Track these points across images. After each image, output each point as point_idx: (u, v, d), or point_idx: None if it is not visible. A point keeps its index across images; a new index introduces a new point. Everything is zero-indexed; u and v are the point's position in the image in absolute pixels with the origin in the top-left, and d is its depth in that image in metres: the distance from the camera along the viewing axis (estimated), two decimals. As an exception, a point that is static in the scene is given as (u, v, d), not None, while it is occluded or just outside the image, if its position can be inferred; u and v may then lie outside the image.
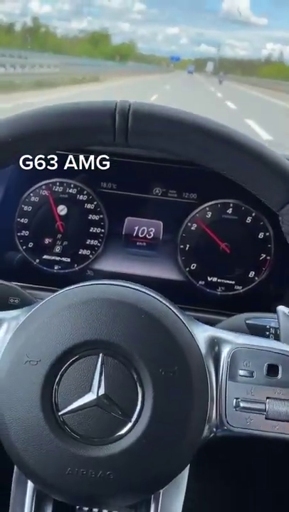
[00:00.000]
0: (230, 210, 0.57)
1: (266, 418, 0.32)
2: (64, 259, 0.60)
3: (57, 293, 0.36)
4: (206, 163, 0.36)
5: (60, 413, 0.32)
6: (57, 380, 0.32)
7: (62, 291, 0.37)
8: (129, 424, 0.32)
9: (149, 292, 0.36)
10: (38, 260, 0.60)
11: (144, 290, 0.36)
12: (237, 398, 0.33)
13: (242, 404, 0.33)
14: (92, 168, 0.58)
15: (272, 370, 0.34)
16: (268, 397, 0.33)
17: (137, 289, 0.36)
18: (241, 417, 0.33)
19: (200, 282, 0.58)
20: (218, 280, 0.58)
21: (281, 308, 0.38)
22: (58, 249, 0.60)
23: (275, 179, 0.35)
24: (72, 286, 0.37)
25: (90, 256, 0.59)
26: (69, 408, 0.32)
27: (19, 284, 0.48)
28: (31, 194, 0.58)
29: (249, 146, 0.35)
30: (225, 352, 0.35)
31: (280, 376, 0.33)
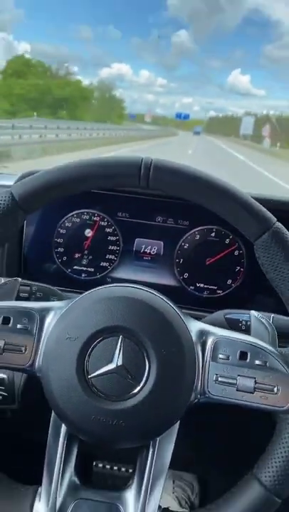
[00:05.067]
0: (213, 234, 0.66)
1: (237, 390, 0.38)
2: (89, 269, 0.68)
3: (91, 290, 0.41)
4: (203, 204, 0.41)
5: (89, 376, 0.37)
6: (88, 352, 0.37)
7: (94, 289, 0.42)
8: (138, 388, 0.37)
9: (156, 294, 0.42)
10: (69, 270, 0.68)
11: (153, 292, 0.42)
12: (216, 374, 0.38)
13: (220, 379, 0.38)
14: (111, 202, 0.67)
15: (243, 355, 0.39)
16: (238, 375, 0.38)
17: (148, 291, 0.42)
18: (219, 388, 0.38)
19: (190, 287, 0.66)
20: (204, 286, 0.67)
21: (253, 312, 0.45)
22: (84, 261, 0.68)
23: (251, 219, 0.40)
24: (102, 287, 0.42)
25: (109, 267, 0.68)
26: (96, 373, 0.37)
27: (55, 287, 0.56)
28: (66, 221, 0.68)
29: (234, 194, 0.40)
30: (210, 341, 0.40)
31: (248, 360, 0.39)
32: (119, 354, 0.38)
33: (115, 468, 0.53)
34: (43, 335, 0.39)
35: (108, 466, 0.53)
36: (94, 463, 0.55)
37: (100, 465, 0.53)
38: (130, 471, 0.49)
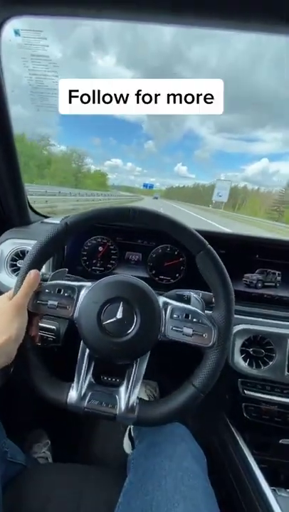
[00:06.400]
0: (168, 249, 0.88)
1: (182, 334, 0.47)
2: (101, 268, 0.91)
3: (104, 278, 0.49)
4: (167, 232, 0.48)
5: (103, 323, 0.45)
6: (104, 310, 0.46)
7: (106, 277, 0.49)
8: (130, 330, 0.45)
9: (140, 280, 0.50)
10: (90, 269, 0.91)
11: (138, 279, 0.50)
12: (172, 325, 0.47)
13: (173, 328, 0.47)
14: (113, 231, 0.91)
15: (187, 316, 0.48)
16: (184, 326, 0.47)
17: (135, 278, 0.50)
18: (173, 333, 0.47)
19: (156, 278, 0.89)
20: (164, 277, 0.89)
21: (191, 291, 0.56)
22: (98, 264, 0.91)
23: (194, 242, 0.48)
24: (110, 276, 0.50)
25: (111, 267, 0.91)
26: (107, 322, 0.45)
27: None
28: (88, 242, 0.91)
29: (184, 227, 0.47)
30: (169, 307, 0.49)
31: (189, 318, 0.48)
32: (120, 311, 0.44)
33: (113, 379, 0.54)
34: (79, 300, 0.48)
35: (109, 378, 0.54)
36: (101, 376, 0.56)
37: (105, 377, 0.55)
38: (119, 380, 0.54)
